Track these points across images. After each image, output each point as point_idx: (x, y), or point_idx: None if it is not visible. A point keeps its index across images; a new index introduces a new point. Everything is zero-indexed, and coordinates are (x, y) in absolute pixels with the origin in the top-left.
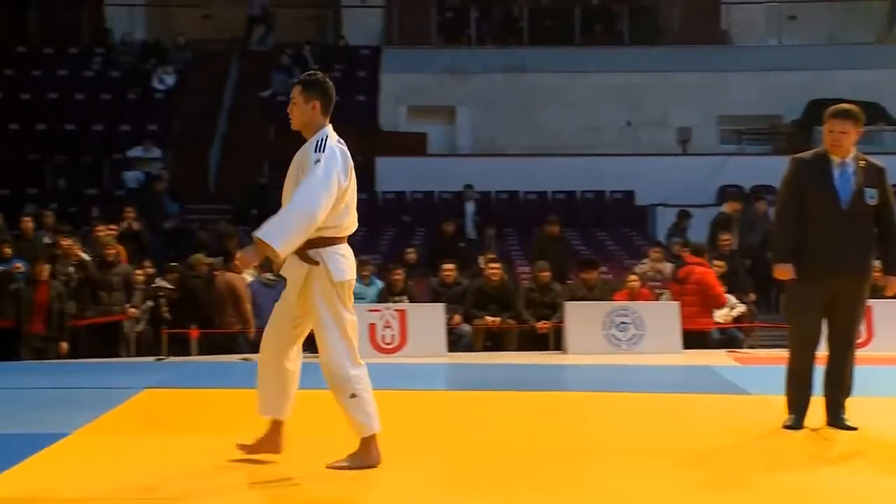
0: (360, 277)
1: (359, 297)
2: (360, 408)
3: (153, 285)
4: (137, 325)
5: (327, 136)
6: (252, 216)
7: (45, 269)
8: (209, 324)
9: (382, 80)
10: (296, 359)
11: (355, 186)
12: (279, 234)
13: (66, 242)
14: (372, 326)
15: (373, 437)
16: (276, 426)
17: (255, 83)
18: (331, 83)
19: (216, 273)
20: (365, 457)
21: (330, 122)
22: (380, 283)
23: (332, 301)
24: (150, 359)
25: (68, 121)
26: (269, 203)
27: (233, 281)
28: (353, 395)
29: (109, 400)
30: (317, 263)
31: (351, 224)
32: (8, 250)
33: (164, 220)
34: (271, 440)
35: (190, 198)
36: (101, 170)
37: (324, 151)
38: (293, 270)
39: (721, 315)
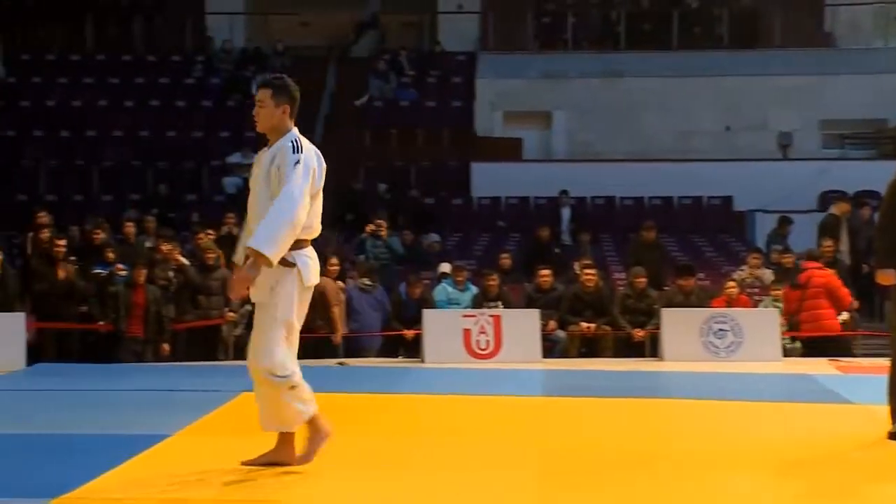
0: (455, 283)
1: (453, 303)
2: (299, 397)
3: None
4: (235, 328)
5: (299, 137)
6: (347, 221)
7: (143, 273)
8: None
9: (478, 86)
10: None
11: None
12: (270, 242)
13: (166, 247)
14: (467, 332)
15: (292, 435)
16: (286, 438)
17: (351, 90)
18: (297, 87)
19: None
20: (283, 453)
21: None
22: (474, 289)
23: (296, 305)
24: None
25: (169, 128)
26: (363, 208)
27: (323, 285)
28: (292, 387)
29: (208, 403)
30: (292, 265)
31: (317, 226)
32: (111, 254)
33: None
34: (283, 452)
35: None
36: (200, 176)
37: (302, 152)
38: (264, 274)
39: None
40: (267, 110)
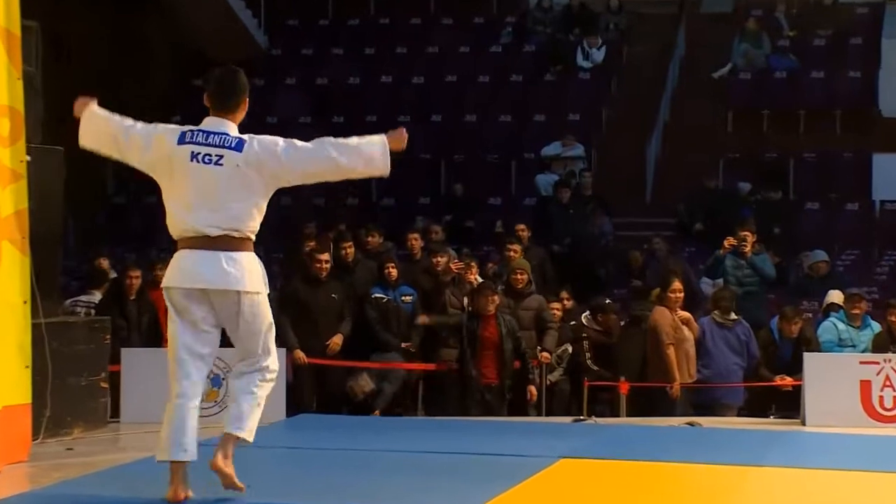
0: (849, 317)
1: (846, 344)
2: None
3: (573, 323)
4: (551, 374)
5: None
6: (698, 232)
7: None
8: (639, 373)
9: (884, 49)
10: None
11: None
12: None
13: (456, 264)
14: (865, 384)
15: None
16: None
17: (707, 57)
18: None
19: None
20: None
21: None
22: (876, 326)
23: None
24: (568, 419)
25: (468, 110)
26: (720, 214)
27: (655, 319)
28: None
29: (517, 470)
30: None
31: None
32: (394, 271)
33: (594, 236)
34: None
35: (620, 207)
36: (507, 172)
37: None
38: None
39: None
40: None
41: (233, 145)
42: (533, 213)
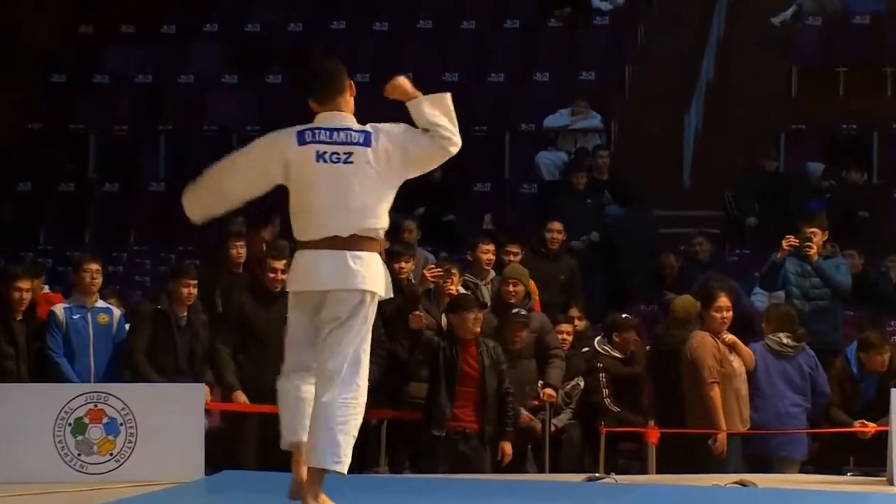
0: None
1: None
2: None
3: (584, 350)
4: (557, 417)
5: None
6: (752, 229)
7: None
8: (674, 417)
9: None
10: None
11: None
12: None
13: (431, 273)
14: None
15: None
16: None
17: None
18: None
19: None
20: None
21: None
22: None
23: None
24: (579, 477)
25: (448, 66)
26: (783, 204)
27: (695, 349)
28: None
29: None
30: None
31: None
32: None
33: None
34: None
35: (650, 196)
36: (499, 149)
37: None
38: None
39: None
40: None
41: (360, 141)
42: (534, 204)
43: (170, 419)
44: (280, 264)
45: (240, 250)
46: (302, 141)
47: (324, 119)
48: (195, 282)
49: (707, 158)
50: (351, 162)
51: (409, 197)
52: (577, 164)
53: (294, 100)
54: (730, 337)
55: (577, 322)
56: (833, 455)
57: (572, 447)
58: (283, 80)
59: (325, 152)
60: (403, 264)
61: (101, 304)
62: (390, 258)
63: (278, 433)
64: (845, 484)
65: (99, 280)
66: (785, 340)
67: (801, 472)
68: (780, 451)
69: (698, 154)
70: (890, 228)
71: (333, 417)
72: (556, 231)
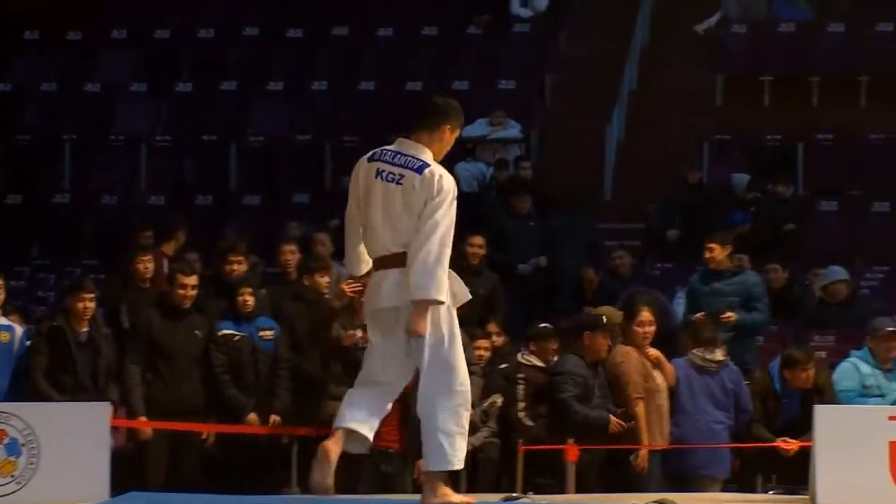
0: (879, 358)
1: (872, 394)
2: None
3: (503, 366)
4: (473, 436)
5: None
6: (674, 242)
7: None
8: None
9: None
10: None
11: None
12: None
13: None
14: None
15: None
16: None
17: (688, 5)
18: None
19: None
20: None
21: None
22: None
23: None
24: (496, 497)
25: (364, 75)
26: (707, 217)
27: (619, 364)
28: None
29: None
30: None
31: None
32: (250, 298)
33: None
34: None
35: (570, 208)
36: None
37: None
38: None
39: None
40: None
41: (415, 167)
42: (462, 212)
43: (74, 439)
44: (191, 280)
45: (147, 265)
46: (371, 158)
47: (398, 144)
48: (92, 295)
49: (629, 169)
50: (401, 184)
51: (323, 208)
52: (519, 184)
53: (204, 109)
54: (654, 352)
55: (495, 338)
56: (755, 473)
57: (490, 466)
58: (193, 89)
59: (383, 170)
60: (318, 278)
61: (2, 321)
62: (304, 273)
63: (187, 451)
64: (767, 502)
65: (1, 296)
66: (708, 356)
67: (722, 490)
68: (702, 469)
69: (620, 165)
70: (815, 242)
71: (436, 423)
72: (476, 245)
